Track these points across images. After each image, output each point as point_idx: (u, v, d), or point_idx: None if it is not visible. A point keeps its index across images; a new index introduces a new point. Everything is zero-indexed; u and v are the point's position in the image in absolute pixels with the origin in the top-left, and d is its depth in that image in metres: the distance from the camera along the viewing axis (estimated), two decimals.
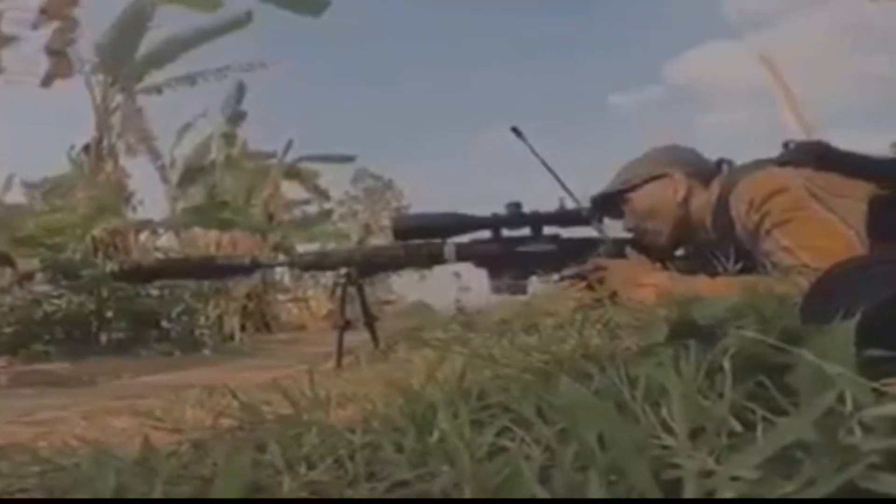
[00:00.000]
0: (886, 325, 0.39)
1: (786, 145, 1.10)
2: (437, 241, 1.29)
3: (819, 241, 0.90)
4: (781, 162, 1.06)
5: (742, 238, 1.02)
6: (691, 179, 1.15)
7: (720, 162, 1.17)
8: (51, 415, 1.15)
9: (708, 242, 1.11)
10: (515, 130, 1.23)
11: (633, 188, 1.19)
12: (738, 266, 0.88)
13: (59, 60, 4.71)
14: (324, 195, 9.83)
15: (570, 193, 1.25)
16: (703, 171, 1.16)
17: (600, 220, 1.25)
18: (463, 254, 1.28)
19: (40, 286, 4.04)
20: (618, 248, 1.20)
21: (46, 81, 4.94)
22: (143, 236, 6.00)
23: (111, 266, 1.52)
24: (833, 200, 0.94)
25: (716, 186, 1.11)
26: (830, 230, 0.91)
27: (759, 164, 1.09)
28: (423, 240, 1.29)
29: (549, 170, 1.25)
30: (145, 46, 5.95)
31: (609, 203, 1.23)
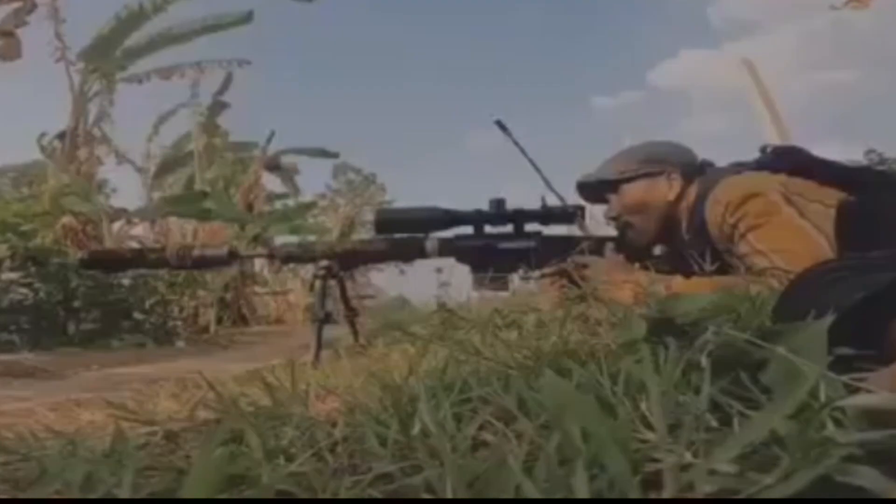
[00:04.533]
0: (856, 325, 0.40)
1: (763, 150, 1.12)
2: (420, 235, 1.28)
3: (792, 246, 0.92)
4: (758, 166, 1.09)
5: (715, 239, 1.04)
6: (683, 178, 1.15)
7: (702, 163, 1.19)
8: (16, 406, 1.11)
9: (683, 242, 1.13)
10: (500, 124, 1.22)
11: (628, 179, 1.17)
12: (714, 266, 0.89)
13: (9, 42, 4.53)
14: (296, 189, 9.68)
15: (552, 188, 1.25)
16: (693, 171, 1.16)
17: (582, 217, 1.25)
18: (445, 249, 1.28)
19: (7, 274, 3.90)
20: (598, 246, 1.21)
21: None
22: (116, 226, 5.85)
23: (80, 253, 1.47)
24: (806, 205, 0.96)
25: (694, 187, 1.13)
26: (803, 235, 0.93)
27: (735, 167, 1.12)
28: (405, 234, 1.29)
29: (532, 164, 1.25)
30: (135, 37, 5.80)
31: (596, 189, 1.22)
